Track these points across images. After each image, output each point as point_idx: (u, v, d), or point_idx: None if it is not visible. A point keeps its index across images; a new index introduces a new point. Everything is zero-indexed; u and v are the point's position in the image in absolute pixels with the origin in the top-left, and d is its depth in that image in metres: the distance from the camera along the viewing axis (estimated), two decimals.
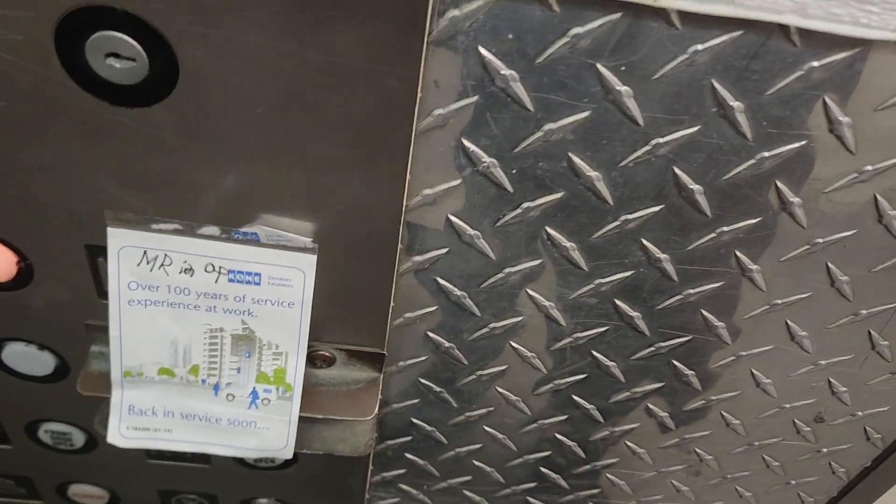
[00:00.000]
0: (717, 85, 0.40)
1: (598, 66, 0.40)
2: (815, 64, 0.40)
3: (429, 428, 0.66)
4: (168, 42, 0.37)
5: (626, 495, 0.76)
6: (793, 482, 0.75)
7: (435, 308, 0.54)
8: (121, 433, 0.54)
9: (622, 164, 0.44)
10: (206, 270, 0.48)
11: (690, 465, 0.72)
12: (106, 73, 0.39)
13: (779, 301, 0.54)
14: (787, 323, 0.56)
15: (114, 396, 0.53)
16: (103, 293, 0.51)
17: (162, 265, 0.47)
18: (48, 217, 0.46)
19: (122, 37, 0.37)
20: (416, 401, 0.63)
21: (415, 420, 0.66)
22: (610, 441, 0.68)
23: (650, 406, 0.64)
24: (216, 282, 0.48)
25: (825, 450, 0.72)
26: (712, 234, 0.49)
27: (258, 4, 0.36)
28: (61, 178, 0.44)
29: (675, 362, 0.59)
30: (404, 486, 0.75)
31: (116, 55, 0.38)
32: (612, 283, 0.52)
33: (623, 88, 0.41)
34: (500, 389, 0.62)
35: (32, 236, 0.48)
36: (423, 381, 0.61)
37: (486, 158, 0.44)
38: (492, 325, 0.55)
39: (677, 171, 0.45)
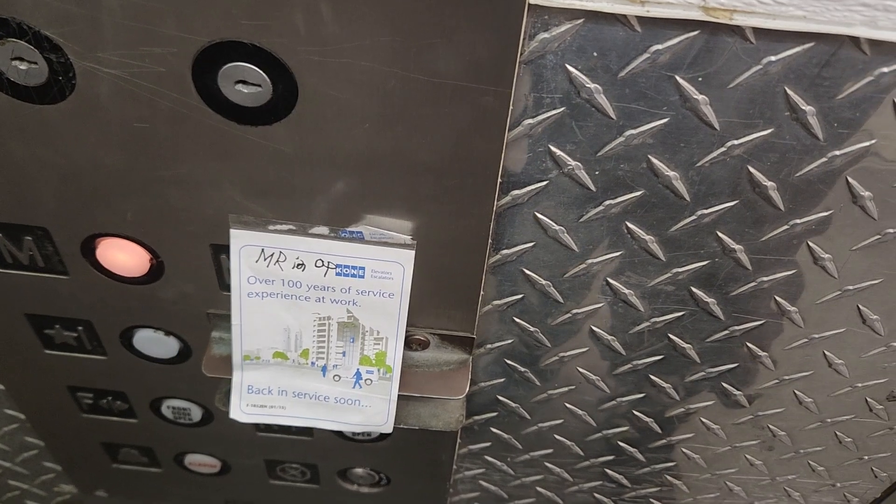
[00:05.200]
0: (789, 91, 0.43)
1: (677, 77, 0.43)
2: (885, 70, 0.42)
3: (513, 404, 0.71)
4: (290, 70, 0.42)
5: (700, 468, 0.80)
6: (865, 457, 0.77)
7: (521, 296, 0.58)
8: (241, 410, 0.60)
9: (699, 164, 0.48)
10: (316, 265, 0.53)
11: (764, 440, 0.75)
12: (234, 97, 0.44)
13: (850, 287, 0.56)
14: (858, 307, 0.58)
15: (235, 377, 0.59)
16: (224, 286, 0.57)
17: (277, 261, 0.53)
18: (179, 220, 0.52)
19: (251, 66, 0.42)
20: (501, 380, 0.68)
21: (500, 397, 0.70)
22: (685, 417, 0.72)
23: (724, 385, 0.67)
24: (325, 275, 0.53)
25: None
26: (785, 226, 0.51)
27: (370, 35, 0.40)
28: (192, 188, 0.50)
29: (749, 344, 0.62)
30: (489, 458, 0.80)
31: (244, 81, 0.43)
32: (689, 271, 0.55)
33: (700, 97, 0.44)
34: (580, 369, 0.66)
35: (165, 237, 0.54)
36: (508, 361, 0.66)
37: (571, 162, 0.48)
38: (574, 312, 0.59)
39: (752, 169, 0.48)
